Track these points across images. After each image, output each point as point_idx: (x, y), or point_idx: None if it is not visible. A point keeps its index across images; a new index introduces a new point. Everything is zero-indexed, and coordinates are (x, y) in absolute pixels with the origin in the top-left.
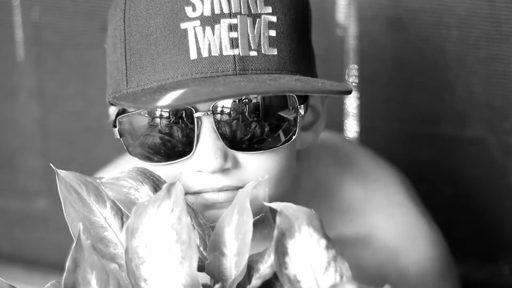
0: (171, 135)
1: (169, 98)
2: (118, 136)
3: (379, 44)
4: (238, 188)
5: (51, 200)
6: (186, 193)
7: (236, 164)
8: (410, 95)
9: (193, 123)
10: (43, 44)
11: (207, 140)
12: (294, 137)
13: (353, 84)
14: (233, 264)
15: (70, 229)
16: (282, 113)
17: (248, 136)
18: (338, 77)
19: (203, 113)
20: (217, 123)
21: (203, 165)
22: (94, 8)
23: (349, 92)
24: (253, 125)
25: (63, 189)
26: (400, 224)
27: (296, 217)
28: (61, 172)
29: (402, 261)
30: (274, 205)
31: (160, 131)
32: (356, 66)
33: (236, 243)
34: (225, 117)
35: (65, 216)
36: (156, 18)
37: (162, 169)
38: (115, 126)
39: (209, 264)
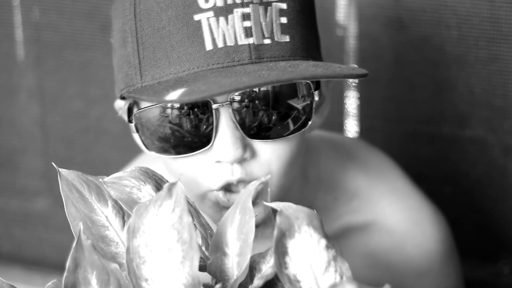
0: (190, 128)
1: (193, 91)
2: (134, 131)
3: (379, 44)
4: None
5: (51, 200)
6: (212, 190)
7: (252, 153)
8: (410, 95)
9: (211, 114)
10: (43, 44)
11: (226, 131)
12: (309, 122)
13: (353, 84)
14: (235, 264)
15: (71, 228)
16: (297, 100)
17: (265, 125)
18: None
19: (220, 104)
20: (235, 113)
21: (223, 155)
22: (94, 8)
23: (365, 75)
24: (270, 113)
25: (64, 188)
26: (404, 208)
27: (296, 217)
28: (63, 171)
29: (409, 245)
30: (274, 205)
31: (178, 124)
32: (356, 66)
33: (238, 243)
34: (243, 107)
35: (67, 215)
36: (168, 11)
37: (181, 162)
38: (130, 121)
39: (211, 264)
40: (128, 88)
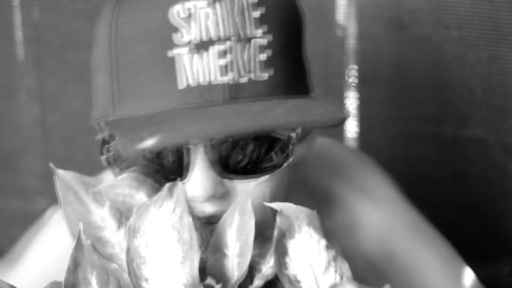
0: (161, 165)
1: (158, 138)
2: (105, 164)
3: (379, 44)
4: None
5: (51, 200)
6: None
7: (227, 191)
8: (410, 95)
9: (184, 153)
10: (43, 44)
11: (197, 170)
12: (288, 161)
13: (353, 84)
14: (235, 265)
15: (68, 229)
16: (275, 139)
17: (240, 164)
18: (338, 77)
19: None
20: (208, 152)
21: (194, 194)
22: (94, 8)
23: (344, 120)
24: (245, 152)
25: (61, 189)
26: (387, 210)
27: (296, 217)
28: (60, 172)
29: (394, 243)
30: (274, 205)
31: (149, 161)
32: (356, 66)
33: (238, 244)
34: (216, 146)
35: (64, 216)
36: (143, 44)
37: None
38: (102, 154)
39: (211, 265)
40: (102, 119)
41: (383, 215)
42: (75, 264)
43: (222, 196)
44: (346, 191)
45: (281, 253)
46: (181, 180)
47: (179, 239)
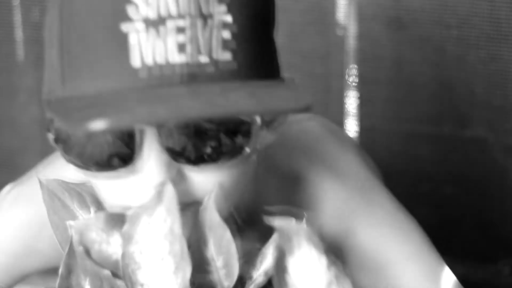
0: (112, 148)
1: (103, 120)
2: (53, 143)
3: (379, 44)
4: (182, 203)
5: None
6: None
7: (182, 177)
8: (410, 95)
9: (134, 135)
10: (43, 44)
11: (150, 154)
12: (248, 150)
13: (353, 84)
14: (223, 276)
15: (55, 236)
16: (236, 124)
17: (196, 149)
18: (338, 77)
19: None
20: (161, 135)
21: (148, 180)
22: None
23: (310, 107)
24: (201, 137)
25: (46, 198)
26: (354, 187)
27: (296, 233)
28: (43, 180)
29: (357, 219)
30: (272, 220)
31: (99, 143)
32: (356, 66)
33: (221, 257)
34: (170, 129)
35: (50, 224)
36: (95, 17)
37: (104, 183)
38: (49, 131)
39: (197, 285)
40: (50, 94)
41: (349, 191)
42: (68, 270)
43: (179, 185)
44: (315, 170)
45: (281, 270)
46: (132, 163)
47: (170, 250)
